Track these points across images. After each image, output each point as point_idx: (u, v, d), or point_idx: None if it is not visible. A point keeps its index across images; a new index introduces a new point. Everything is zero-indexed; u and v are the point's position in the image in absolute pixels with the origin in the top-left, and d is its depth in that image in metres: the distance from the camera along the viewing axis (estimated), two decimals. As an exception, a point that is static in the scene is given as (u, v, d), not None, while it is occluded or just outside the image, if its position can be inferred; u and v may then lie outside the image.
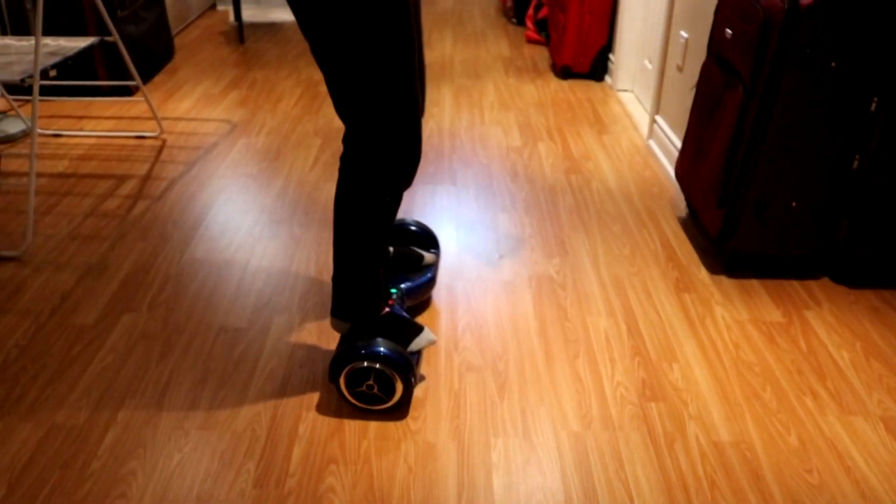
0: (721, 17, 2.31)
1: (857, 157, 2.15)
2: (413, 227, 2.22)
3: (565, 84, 4.07)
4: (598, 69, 4.15)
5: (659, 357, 1.97)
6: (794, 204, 2.20)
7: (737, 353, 2.00)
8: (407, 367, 1.70)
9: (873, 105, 2.08)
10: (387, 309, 1.84)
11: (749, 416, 1.77)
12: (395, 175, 1.63)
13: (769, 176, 2.16)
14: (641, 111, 3.64)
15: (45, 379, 1.86)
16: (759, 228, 2.24)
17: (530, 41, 4.88)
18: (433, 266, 2.16)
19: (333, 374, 1.72)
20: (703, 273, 2.36)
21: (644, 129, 3.41)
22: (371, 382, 1.71)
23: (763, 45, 2.03)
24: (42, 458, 1.62)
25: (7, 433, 1.68)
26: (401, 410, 1.77)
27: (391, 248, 2.11)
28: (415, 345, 1.82)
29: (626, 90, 3.97)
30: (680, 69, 2.99)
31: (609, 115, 3.63)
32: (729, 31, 2.22)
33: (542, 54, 4.60)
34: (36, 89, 2.49)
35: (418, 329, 1.84)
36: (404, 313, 1.89)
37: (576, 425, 1.73)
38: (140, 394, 1.82)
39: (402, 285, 2.03)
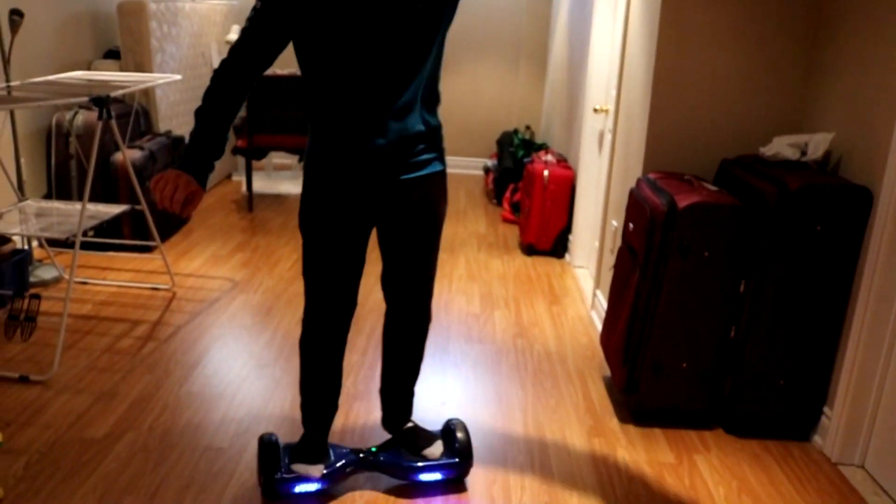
0: (628, 213, 2.89)
1: (734, 327, 2.66)
2: (458, 433, 2.41)
3: (529, 260, 4.65)
4: (559, 247, 4.75)
5: (563, 486, 2.40)
6: (684, 365, 2.69)
7: (629, 485, 2.42)
8: None
9: (742, 286, 2.62)
10: None
11: (627, 533, 2.18)
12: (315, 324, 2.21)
13: (662, 342, 2.66)
14: (591, 285, 4.19)
15: (60, 478, 2.30)
16: (657, 385, 2.72)
17: (506, 220, 5.53)
18: (430, 462, 2.37)
19: None
20: (614, 422, 2.81)
21: (589, 302, 3.94)
22: None
23: (651, 237, 2.59)
24: (53, 536, 2.04)
25: (27, 517, 2.11)
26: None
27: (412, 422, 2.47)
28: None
29: (581, 266, 4.55)
30: (612, 251, 3.56)
31: (562, 289, 4.18)
32: (631, 224, 2.80)
33: (513, 233, 5.22)
34: (77, 247, 3.05)
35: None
36: None
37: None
38: (136, 493, 2.25)
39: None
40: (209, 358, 3.15)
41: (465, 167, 7.11)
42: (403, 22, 1.91)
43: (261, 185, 6.22)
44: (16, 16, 3.64)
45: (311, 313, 2.20)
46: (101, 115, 3.19)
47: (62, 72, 4.54)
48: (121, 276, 4.02)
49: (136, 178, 3.75)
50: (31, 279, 3.80)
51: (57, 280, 3.88)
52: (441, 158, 2.17)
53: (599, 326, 3.63)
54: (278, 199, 5.81)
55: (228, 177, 6.42)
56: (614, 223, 3.56)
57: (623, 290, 2.85)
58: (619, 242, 3.39)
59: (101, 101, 3.15)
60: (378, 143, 2.03)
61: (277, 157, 6.92)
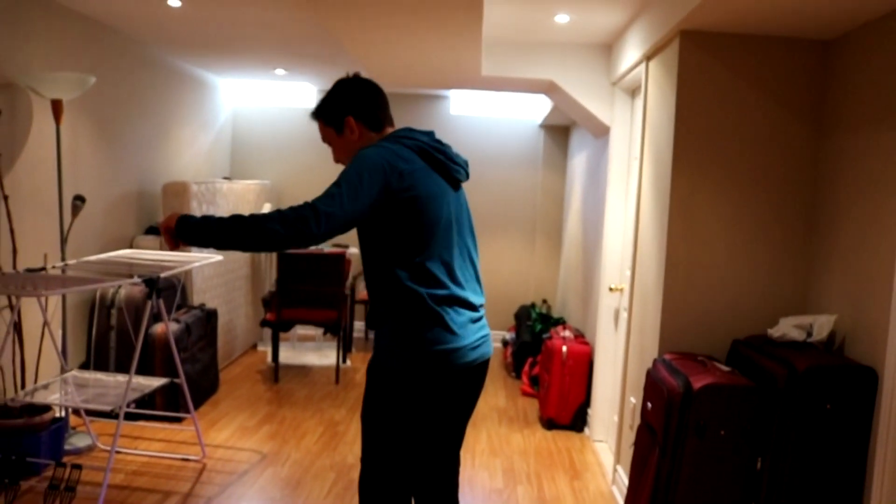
0: (646, 393, 3.03)
1: (752, 503, 2.73)
2: None
3: (549, 434, 4.73)
4: (578, 421, 4.83)
5: None
6: (706, 544, 2.74)
7: None
8: None
9: (759, 463, 2.71)
10: None
11: None
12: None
13: (684, 519, 2.72)
14: (611, 460, 4.25)
15: None
16: (680, 564, 2.75)
17: (525, 394, 5.64)
18: None
19: None
20: None
21: (610, 477, 4.00)
22: None
23: (669, 417, 2.72)
24: None
25: None
26: None
27: None
28: None
29: (601, 441, 4.62)
30: (632, 428, 3.67)
31: (583, 463, 4.24)
32: (650, 404, 2.93)
33: (533, 406, 5.32)
34: (121, 419, 3.20)
35: None
36: None
37: None
38: None
39: None
40: (238, 530, 3.22)
41: (483, 339, 7.28)
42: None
43: (286, 355, 6.40)
44: (78, 201, 3.97)
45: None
46: (151, 294, 3.43)
47: (109, 246, 4.85)
48: (152, 445, 4.13)
49: (175, 350, 3.95)
50: (66, 447, 3.92)
51: (90, 448, 3.99)
52: None
53: (621, 502, 3.67)
54: (303, 370, 5.97)
55: (254, 347, 6.62)
56: (632, 399, 3.69)
57: (643, 467, 2.95)
58: (637, 419, 3.50)
59: (151, 281, 3.39)
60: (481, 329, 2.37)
61: (302, 329, 7.14)
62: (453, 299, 2.25)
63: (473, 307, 2.32)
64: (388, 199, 2.15)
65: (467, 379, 2.30)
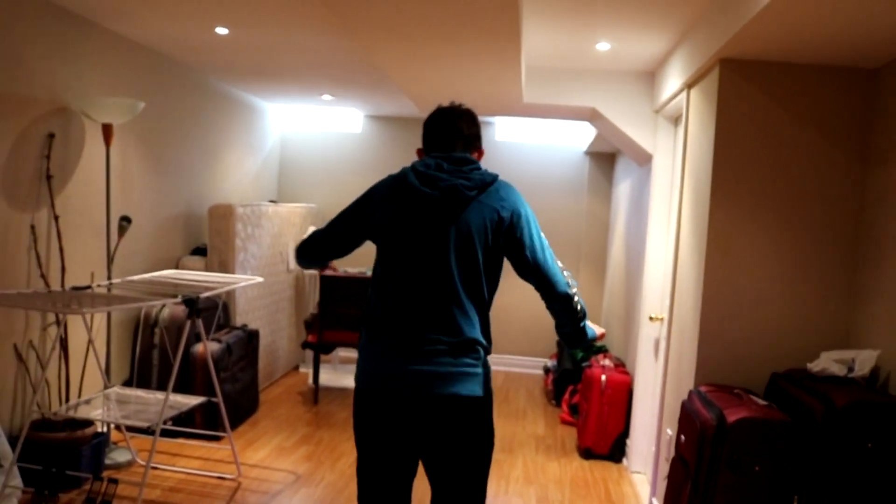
0: (680, 425, 2.97)
1: (789, 546, 2.65)
2: None
3: (586, 464, 4.67)
4: (616, 452, 4.76)
5: None
6: (740, 583, 2.66)
7: None
8: None
9: (794, 502, 2.64)
10: None
11: None
12: None
13: (716, 556, 2.66)
14: (648, 492, 4.17)
15: None
16: None
17: (564, 422, 5.58)
18: None
19: None
20: None
21: (646, 510, 3.93)
22: None
23: (701, 451, 2.67)
24: None
25: None
26: None
27: None
28: None
29: (639, 472, 4.54)
30: (667, 460, 3.60)
31: (619, 495, 4.17)
32: (683, 436, 2.88)
33: (571, 435, 5.26)
34: (156, 436, 3.26)
35: None
36: None
37: None
38: None
39: None
40: (268, 551, 3.23)
41: (525, 366, 7.25)
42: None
43: (326, 377, 6.44)
44: (125, 222, 4.08)
45: None
46: (191, 314, 3.50)
47: (156, 266, 4.96)
48: (190, 463, 4.18)
49: (213, 370, 4.01)
50: (106, 461, 3.99)
51: (130, 463, 4.06)
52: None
53: (656, 536, 3.60)
54: (343, 392, 6.00)
55: (296, 368, 6.68)
56: (669, 431, 3.62)
57: (676, 502, 2.89)
58: (673, 452, 3.43)
59: (191, 301, 3.46)
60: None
61: (343, 351, 7.18)
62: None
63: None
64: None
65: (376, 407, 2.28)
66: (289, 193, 7.50)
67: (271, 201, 6.89)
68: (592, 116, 4.87)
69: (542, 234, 2.35)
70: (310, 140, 7.48)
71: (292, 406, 5.47)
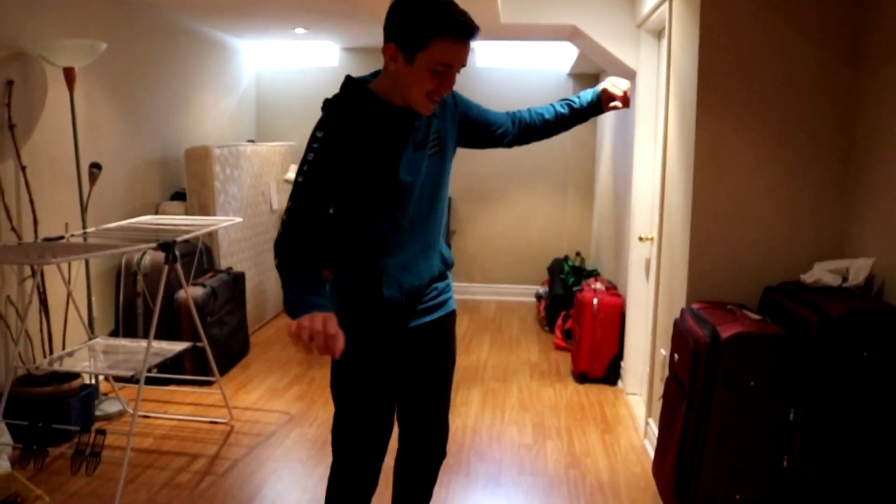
0: (673, 344, 2.92)
1: (786, 457, 2.63)
2: None
3: (581, 388, 4.65)
4: (611, 375, 4.74)
5: None
6: (738, 497, 2.64)
7: None
8: None
9: (791, 414, 2.60)
10: None
11: None
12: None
13: (713, 474, 2.63)
14: (644, 413, 4.16)
15: None
16: (711, 519, 2.67)
17: (558, 348, 5.55)
18: None
19: None
20: (669, 557, 2.75)
21: (642, 430, 3.91)
22: None
23: (696, 369, 2.62)
24: None
25: None
26: None
27: None
28: None
29: (634, 394, 4.52)
30: (662, 380, 3.56)
31: (615, 417, 4.16)
32: (676, 355, 2.83)
33: (566, 360, 5.24)
34: (141, 384, 3.19)
35: None
36: None
37: None
38: None
39: None
40: (265, 493, 3.21)
41: (517, 294, 7.21)
42: (428, 167, 2.16)
43: (317, 316, 6.38)
44: (95, 168, 3.94)
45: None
46: (168, 258, 3.40)
47: (134, 214, 4.84)
48: (181, 409, 4.14)
49: (197, 315, 3.93)
50: (97, 413, 3.95)
51: (121, 414, 4.02)
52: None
53: (653, 456, 3.59)
54: (334, 330, 5.94)
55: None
56: (663, 352, 3.58)
57: (671, 421, 2.85)
58: (667, 372, 3.39)
59: (167, 245, 3.36)
60: (413, 284, 2.18)
61: (334, 289, 7.11)
62: None
63: None
64: None
65: None
66: (268, 132, 7.33)
67: (249, 141, 6.73)
68: (573, 35, 4.70)
69: (305, 166, 2.09)
70: (286, 77, 7.27)
71: (283, 347, 5.42)
